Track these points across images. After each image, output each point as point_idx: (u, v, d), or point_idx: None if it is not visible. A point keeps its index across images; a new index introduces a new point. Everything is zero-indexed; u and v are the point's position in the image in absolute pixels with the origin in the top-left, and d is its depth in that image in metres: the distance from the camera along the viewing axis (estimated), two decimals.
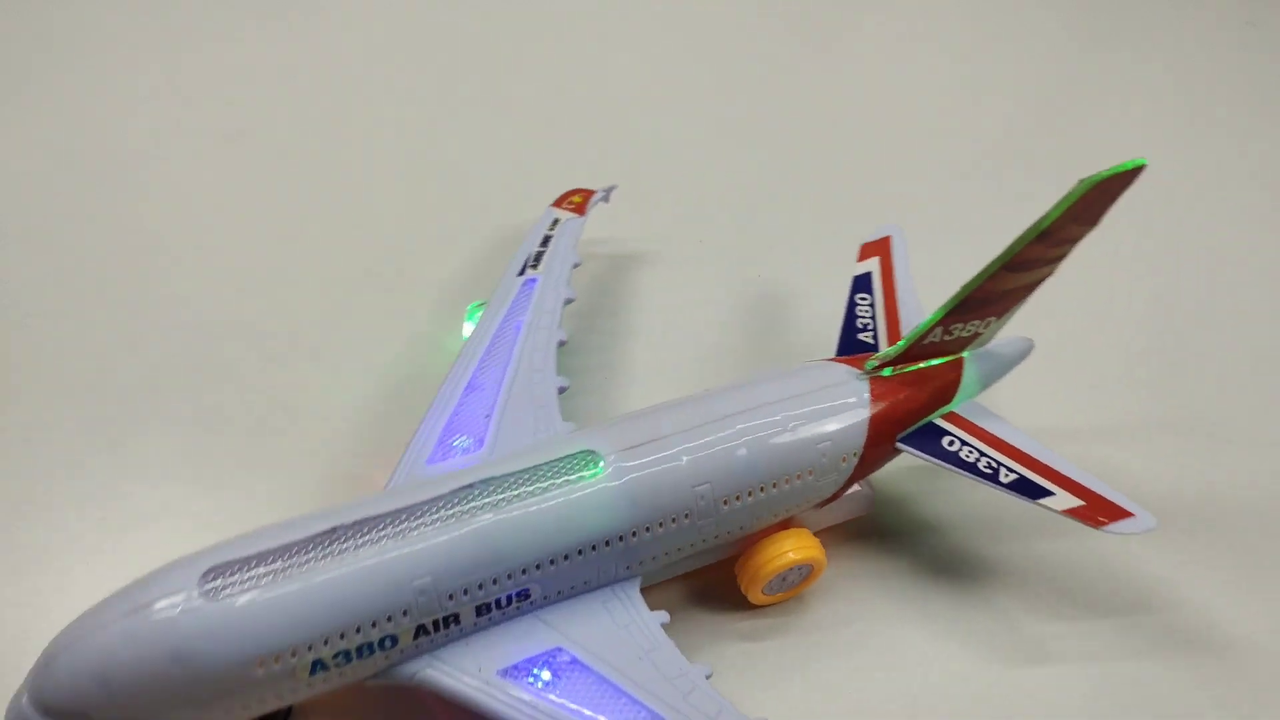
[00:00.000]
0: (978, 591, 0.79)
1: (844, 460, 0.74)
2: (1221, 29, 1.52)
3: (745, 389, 0.75)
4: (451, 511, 0.64)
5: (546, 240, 0.95)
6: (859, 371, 0.77)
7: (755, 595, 0.75)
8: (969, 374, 0.79)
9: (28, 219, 1.08)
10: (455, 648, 0.64)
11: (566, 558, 0.66)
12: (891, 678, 0.74)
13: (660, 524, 0.69)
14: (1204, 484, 0.88)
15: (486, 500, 0.65)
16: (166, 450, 0.86)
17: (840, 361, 0.79)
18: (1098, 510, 0.71)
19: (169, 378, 0.92)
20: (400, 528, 0.63)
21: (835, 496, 0.77)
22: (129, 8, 1.43)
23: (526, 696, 0.62)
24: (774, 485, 0.72)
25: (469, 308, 0.92)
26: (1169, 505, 0.83)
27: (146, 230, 1.09)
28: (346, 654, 0.61)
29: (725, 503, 0.70)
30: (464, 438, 0.75)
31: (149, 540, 0.79)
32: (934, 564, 0.81)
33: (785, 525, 0.75)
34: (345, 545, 0.61)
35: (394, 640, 0.62)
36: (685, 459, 0.70)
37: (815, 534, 0.77)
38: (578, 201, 1.02)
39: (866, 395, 0.76)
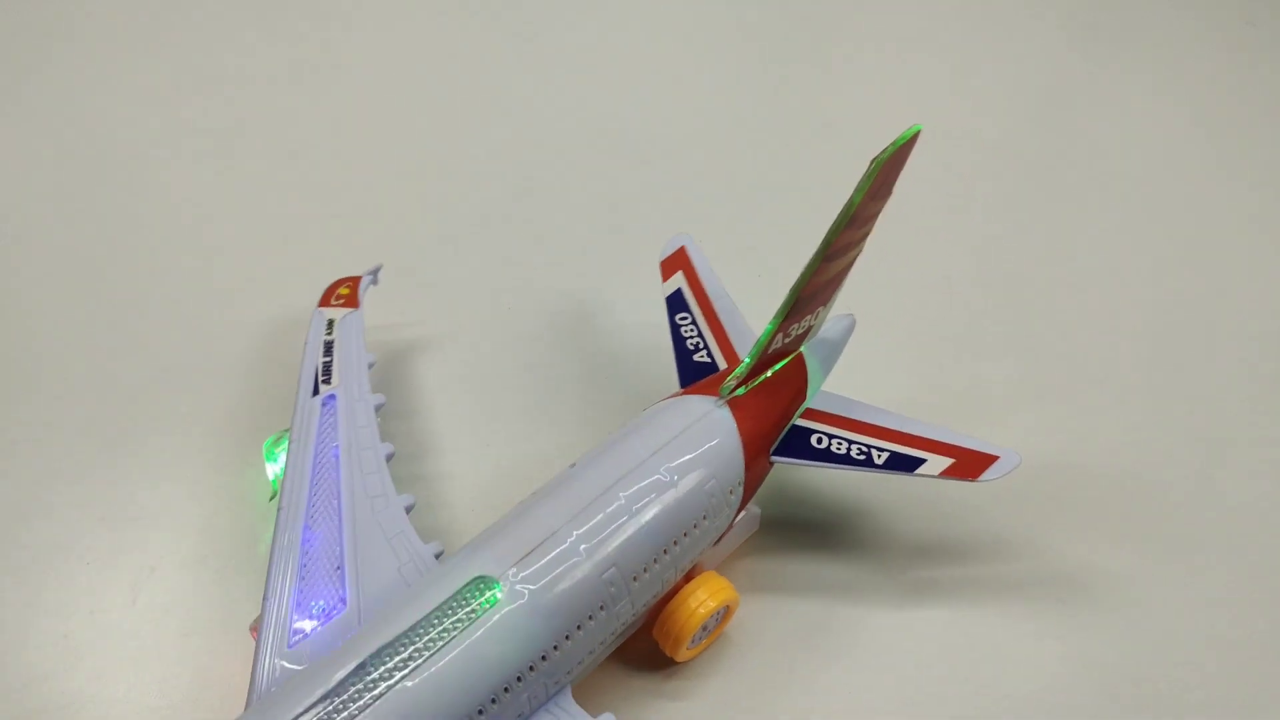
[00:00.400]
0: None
1: (730, 493, 0.73)
2: (1221, 29, 1.52)
3: (612, 453, 0.71)
4: (349, 705, 0.56)
5: (329, 347, 0.84)
6: (715, 399, 0.75)
7: (681, 654, 0.73)
8: (812, 365, 0.80)
9: (27, 218, 1.08)
10: None
11: (494, 702, 0.60)
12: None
13: (579, 627, 0.64)
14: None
15: (384, 677, 0.58)
16: (167, 449, 0.86)
17: (691, 394, 0.76)
18: (968, 464, 0.74)
19: (170, 376, 0.92)
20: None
21: (727, 530, 0.75)
22: (129, 7, 1.43)
23: None
24: (675, 544, 0.69)
25: (265, 445, 0.82)
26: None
27: (147, 228, 1.09)
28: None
29: (635, 579, 0.67)
30: (319, 602, 0.65)
31: (149, 540, 0.79)
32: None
33: (690, 574, 0.73)
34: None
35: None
36: (583, 549, 0.65)
37: (717, 570, 0.76)
38: (345, 293, 0.91)
39: (731, 421, 0.74)
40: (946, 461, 0.75)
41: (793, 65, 1.42)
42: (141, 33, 1.39)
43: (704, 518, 0.71)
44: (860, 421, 0.78)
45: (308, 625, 0.63)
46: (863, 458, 0.76)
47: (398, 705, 0.56)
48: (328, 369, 0.82)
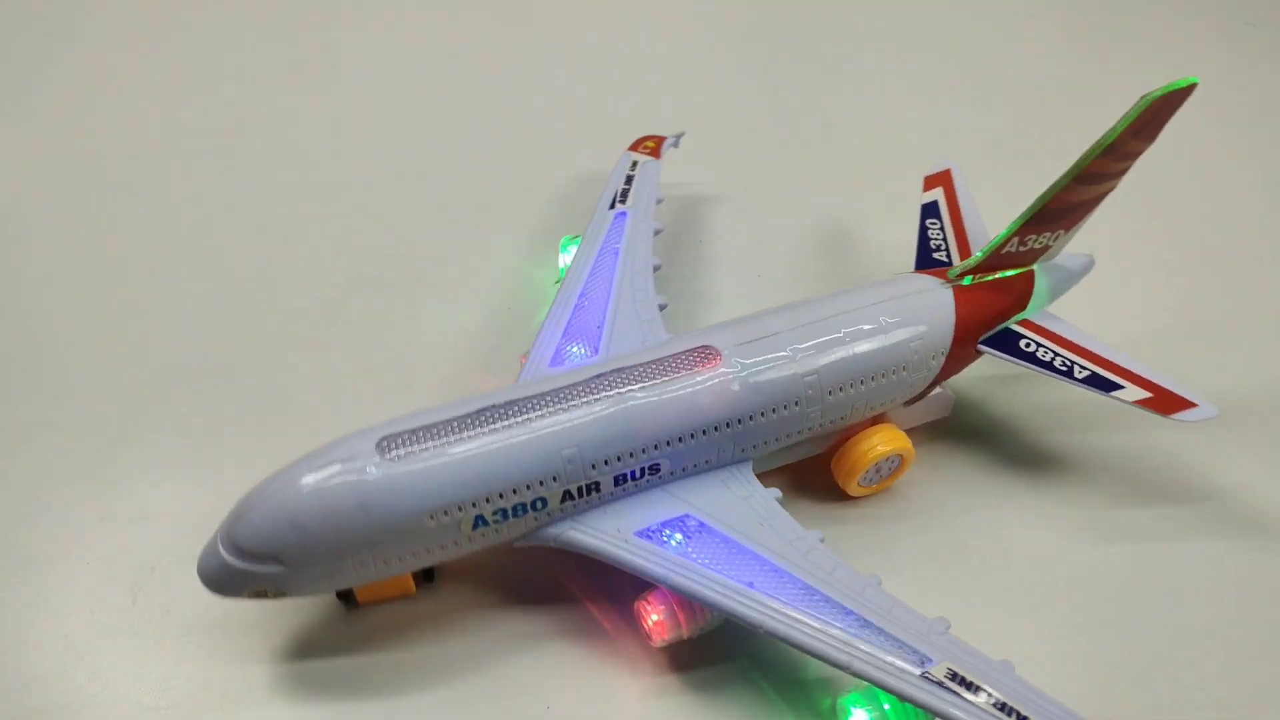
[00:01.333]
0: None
1: (933, 358, 0.82)
2: (1222, 29, 1.52)
3: (841, 296, 0.82)
4: (591, 395, 0.72)
5: (629, 179, 1.02)
6: (942, 280, 0.84)
7: (851, 487, 0.83)
8: (1040, 284, 0.86)
9: (27, 218, 1.08)
10: (595, 513, 0.73)
11: (692, 436, 0.74)
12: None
13: (773, 410, 0.76)
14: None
15: (621, 387, 0.73)
16: (167, 449, 0.86)
17: (922, 273, 0.86)
18: (1164, 401, 0.79)
19: (170, 376, 0.92)
20: (547, 408, 0.71)
21: (921, 396, 0.85)
22: (131, 6, 1.43)
23: (663, 553, 0.70)
24: (872, 379, 0.79)
25: (562, 241, 1.02)
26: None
27: (147, 228, 1.09)
28: (504, 512, 0.70)
29: (830, 393, 0.78)
30: (579, 346, 0.83)
31: (149, 540, 0.79)
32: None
33: (875, 422, 0.83)
34: (500, 422, 0.70)
35: (544, 503, 0.71)
36: (793, 350, 0.77)
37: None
38: (651, 146, 1.09)
39: (951, 300, 0.83)
40: (1143, 394, 0.80)
41: (794, 64, 1.42)
42: (142, 32, 1.39)
43: (903, 369, 0.81)
44: (1069, 340, 0.84)
45: (563, 357, 0.82)
46: (1065, 369, 0.82)
47: (628, 408, 0.72)
48: (625, 194, 1.00)
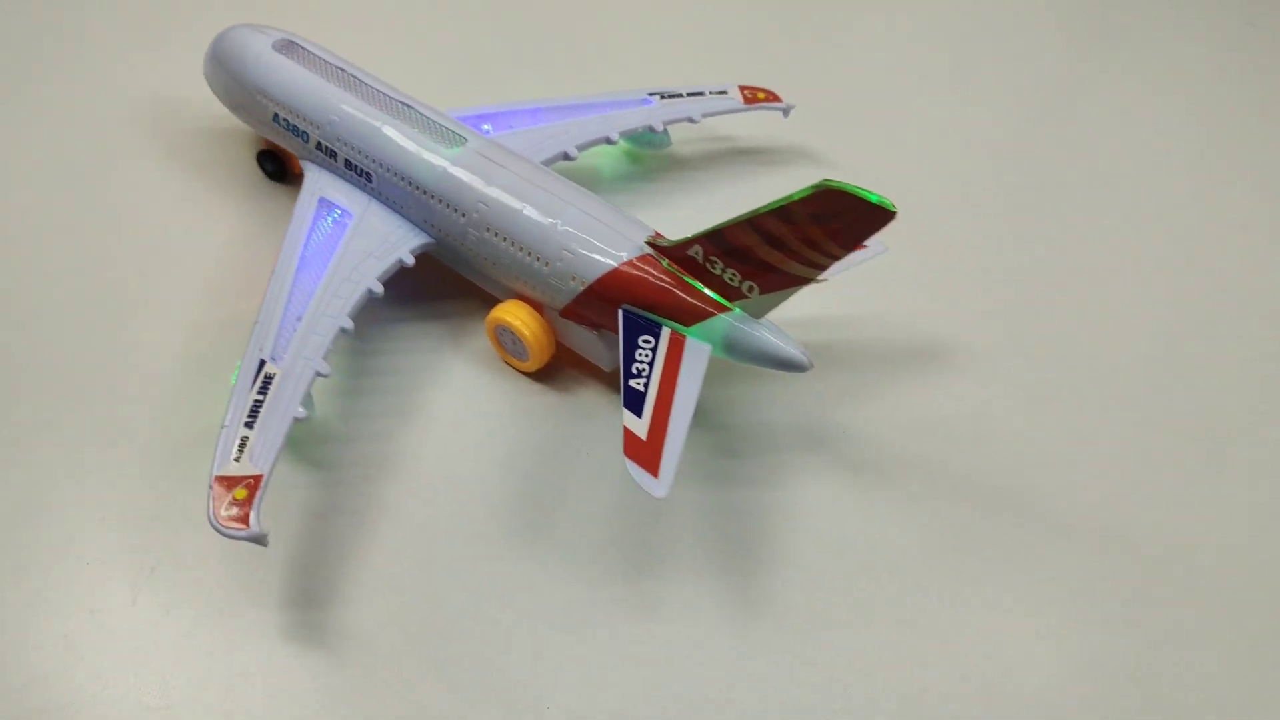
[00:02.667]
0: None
1: (573, 279, 0.86)
2: (1221, 29, 1.52)
3: (577, 189, 0.91)
4: (373, 103, 0.95)
5: (700, 93, 1.12)
6: (648, 236, 0.87)
7: (490, 335, 0.93)
8: (721, 322, 0.82)
9: (27, 217, 1.08)
10: (324, 174, 0.96)
11: (394, 174, 0.92)
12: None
13: (446, 203, 0.90)
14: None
15: (391, 110, 0.94)
16: (167, 449, 0.86)
17: (648, 229, 0.88)
18: (643, 452, 0.74)
19: (170, 377, 0.92)
20: (357, 91, 0.96)
21: (572, 316, 0.88)
22: (131, 6, 1.43)
23: (313, 221, 0.92)
24: (519, 248, 0.88)
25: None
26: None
27: (147, 227, 1.08)
28: (289, 124, 0.97)
29: (488, 230, 0.89)
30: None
31: (149, 540, 0.79)
32: None
33: (538, 310, 0.90)
34: (339, 80, 0.97)
35: (307, 136, 0.97)
36: (499, 182, 0.89)
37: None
38: (763, 95, 1.15)
39: (629, 256, 0.85)
40: (640, 434, 0.75)
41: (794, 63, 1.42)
42: (143, 32, 1.38)
43: (545, 263, 0.87)
44: (675, 377, 0.80)
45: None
46: (635, 375, 0.79)
47: (376, 124, 0.94)
48: (674, 95, 1.11)
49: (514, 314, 0.89)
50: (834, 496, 0.85)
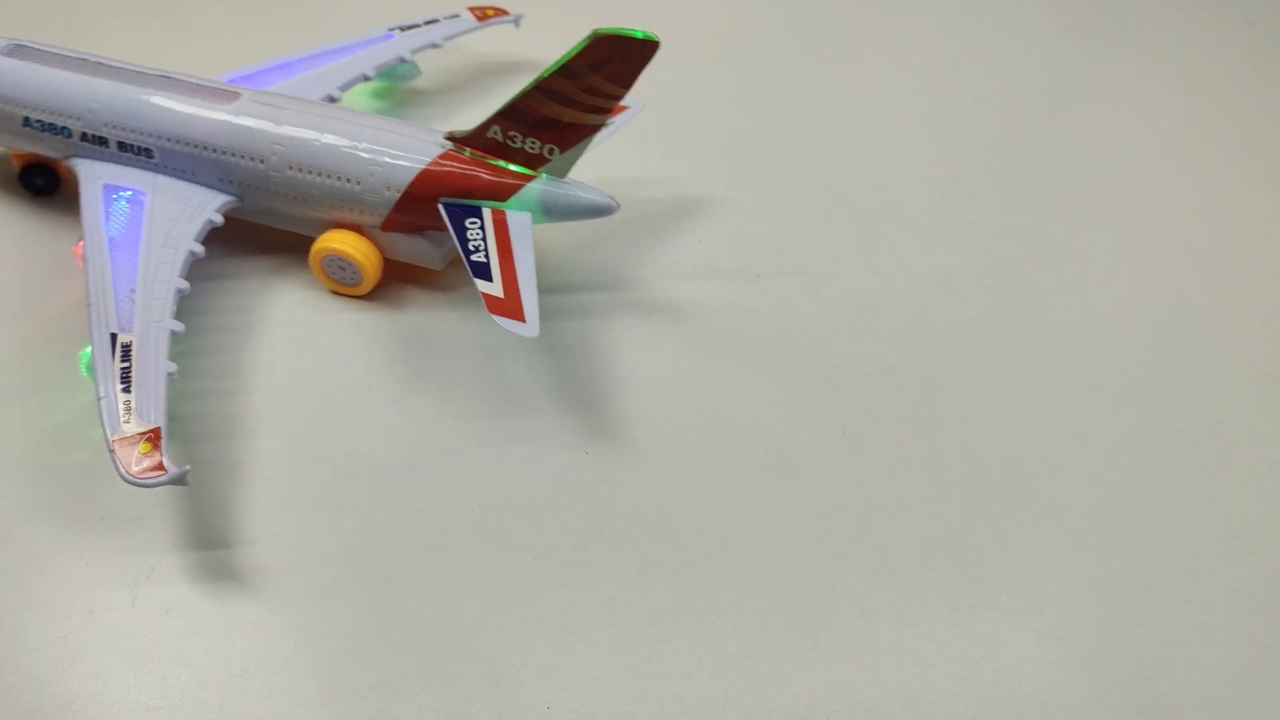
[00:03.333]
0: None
1: (388, 189, 0.92)
2: (1221, 30, 1.52)
3: (363, 112, 0.99)
4: (133, 81, 0.95)
5: (435, 21, 1.20)
6: (442, 139, 0.93)
7: (318, 271, 0.96)
8: (532, 189, 0.92)
9: (27, 215, 1.08)
10: (99, 163, 0.94)
11: (177, 142, 0.93)
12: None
13: (242, 156, 0.93)
14: None
15: (155, 85, 0.95)
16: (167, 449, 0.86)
17: (439, 131, 0.95)
18: (506, 305, 0.84)
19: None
20: (111, 75, 0.95)
21: (394, 226, 0.94)
22: (131, 6, 1.43)
23: (105, 209, 0.90)
24: (327, 176, 0.92)
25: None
26: None
27: None
28: (44, 124, 0.95)
29: (291, 168, 0.92)
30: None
31: (149, 540, 0.79)
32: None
33: (356, 229, 0.95)
34: (97, 70, 0.95)
35: (69, 131, 0.95)
36: (282, 123, 0.93)
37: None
38: (491, 13, 1.24)
39: (433, 155, 0.92)
40: (498, 293, 0.85)
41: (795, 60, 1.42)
42: (146, 34, 1.38)
43: (356, 182, 0.92)
44: (509, 244, 0.89)
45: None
46: (472, 250, 0.88)
47: (143, 97, 0.94)
48: (412, 27, 1.20)
49: (339, 240, 0.93)
50: (834, 501, 0.85)
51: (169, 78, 0.96)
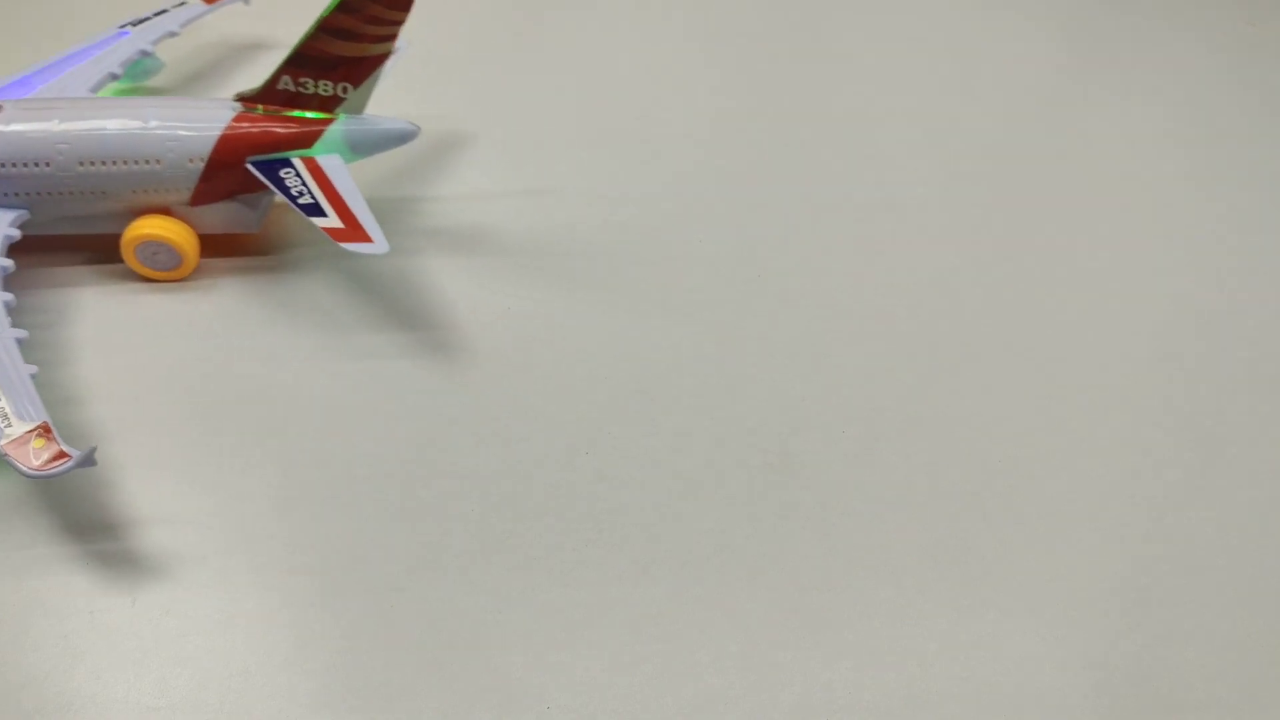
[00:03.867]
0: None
1: (191, 161, 0.92)
2: (1221, 30, 1.52)
3: (135, 97, 0.98)
4: None
5: (163, 11, 1.15)
6: (232, 103, 0.95)
7: (133, 263, 0.95)
8: (334, 131, 0.95)
9: None
10: None
11: None
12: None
13: (22, 164, 0.89)
14: None
15: None
16: (167, 449, 0.86)
17: (228, 99, 0.96)
18: (349, 233, 0.88)
19: (170, 377, 0.92)
20: None
21: (208, 199, 0.94)
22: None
23: None
24: (124, 161, 0.90)
25: None
26: None
27: None
28: None
29: (81, 164, 0.89)
30: None
31: (149, 540, 0.79)
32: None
33: (166, 213, 0.94)
34: None
35: None
36: (58, 121, 0.89)
37: (203, 238, 0.96)
38: None
39: (228, 118, 0.93)
40: (338, 224, 0.89)
41: (790, 62, 1.42)
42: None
43: (157, 161, 0.91)
44: (330, 182, 0.93)
45: None
46: (296, 195, 0.91)
47: None
48: (142, 21, 1.14)
49: (151, 226, 0.93)
50: (834, 501, 0.85)
51: None
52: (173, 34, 1.14)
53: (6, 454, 0.73)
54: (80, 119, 0.90)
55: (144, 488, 0.83)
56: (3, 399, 0.76)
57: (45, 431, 0.74)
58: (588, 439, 0.88)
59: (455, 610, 0.76)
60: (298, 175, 0.92)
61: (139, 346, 0.93)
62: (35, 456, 0.73)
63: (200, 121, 0.92)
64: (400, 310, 0.98)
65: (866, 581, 0.80)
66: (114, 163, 0.90)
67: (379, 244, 0.87)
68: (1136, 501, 0.87)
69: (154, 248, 0.94)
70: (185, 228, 0.94)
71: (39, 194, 0.91)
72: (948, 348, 0.99)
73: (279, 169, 0.93)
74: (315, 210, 0.89)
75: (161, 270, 0.96)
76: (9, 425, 0.75)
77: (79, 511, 0.81)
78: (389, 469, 0.85)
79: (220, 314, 0.96)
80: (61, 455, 0.73)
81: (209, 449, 0.86)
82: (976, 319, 1.02)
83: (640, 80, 1.34)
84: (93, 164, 0.90)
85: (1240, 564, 0.82)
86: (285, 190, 0.91)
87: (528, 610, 0.77)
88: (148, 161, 0.91)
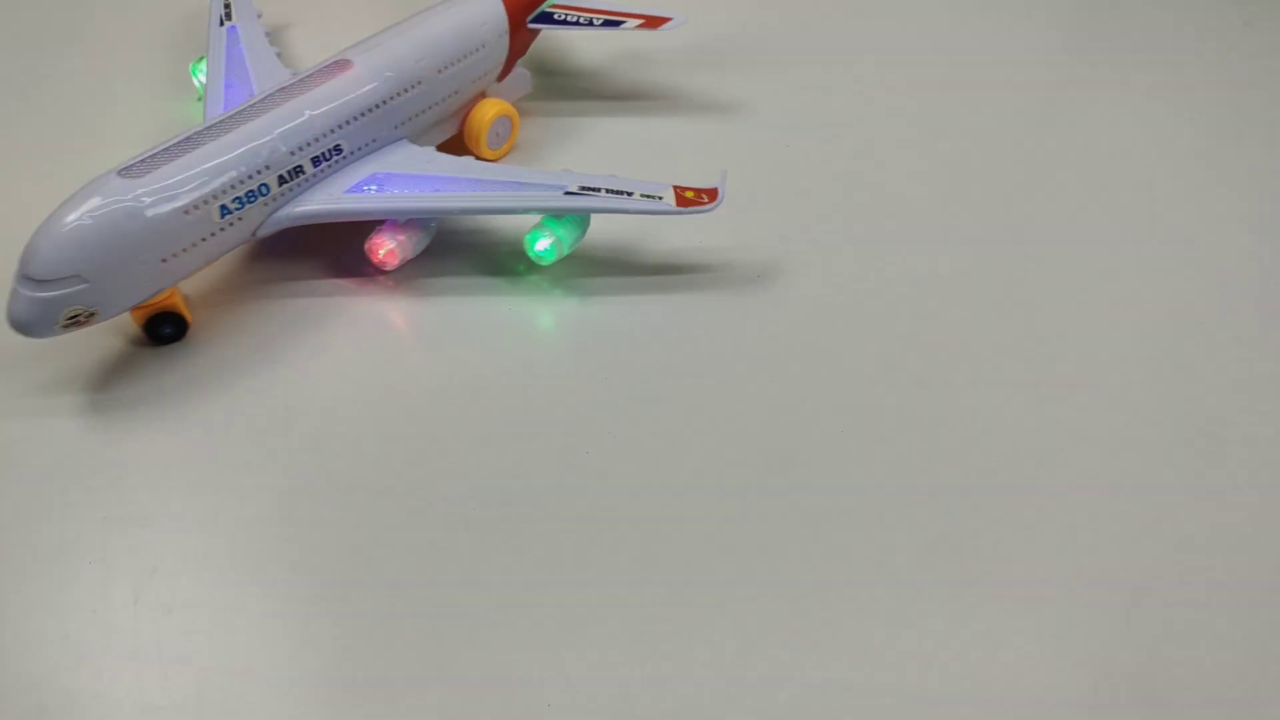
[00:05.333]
0: None
1: (500, 36, 1.10)
2: (1219, 30, 1.52)
3: (405, 22, 1.07)
4: (273, 103, 0.94)
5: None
6: None
7: (483, 150, 1.12)
8: None
9: (28, 215, 1.08)
10: (309, 191, 0.95)
11: (353, 120, 0.97)
12: None
13: (404, 91, 1.01)
14: None
15: (295, 95, 0.95)
16: (168, 449, 0.86)
17: None
18: (651, 21, 1.19)
19: (172, 375, 0.92)
20: (245, 119, 0.92)
21: (505, 74, 1.15)
22: (129, 6, 1.43)
23: (367, 197, 0.96)
24: (465, 57, 1.07)
25: (191, 66, 1.19)
26: None
27: None
28: (240, 199, 0.90)
29: (440, 71, 1.04)
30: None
31: (151, 539, 0.79)
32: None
33: (481, 98, 1.12)
34: (210, 137, 0.90)
35: (266, 188, 0.91)
36: (397, 50, 1.02)
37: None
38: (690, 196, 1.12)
39: None
40: (639, 22, 1.18)
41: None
42: (148, 36, 1.38)
43: (483, 45, 1.09)
44: (594, 6, 1.19)
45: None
46: (586, 22, 1.17)
47: (302, 103, 0.95)
48: (228, 8, 1.19)
49: (490, 108, 1.11)
50: (834, 501, 0.85)
51: (282, 88, 0.96)
52: (259, 15, 1.20)
53: (686, 210, 0.97)
54: (407, 43, 1.03)
55: (145, 487, 0.83)
56: (626, 186, 0.98)
57: (683, 189, 0.99)
58: (588, 439, 0.88)
59: (455, 610, 0.77)
60: (567, 13, 1.16)
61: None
62: (708, 197, 0.98)
63: (480, 4, 1.09)
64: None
65: (866, 581, 0.80)
66: (458, 60, 1.06)
67: (678, 18, 1.18)
68: (1135, 501, 0.87)
69: (498, 125, 1.12)
70: (501, 100, 1.13)
71: (416, 115, 1.04)
72: (947, 347, 0.99)
73: (551, 18, 1.16)
74: (614, 23, 1.16)
75: (498, 147, 1.14)
76: (661, 197, 0.98)
77: (80, 511, 0.81)
78: (389, 469, 0.85)
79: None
80: (713, 192, 0.99)
81: (210, 449, 0.86)
82: (975, 318, 1.02)
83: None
84: (448, 68, 1.05)
85: (1240, 564, 0.82)
86: (571, 23, 1.16)
87: (528, 610, 0.77)
88: (477, 49, 1.08)
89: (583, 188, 0.97)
